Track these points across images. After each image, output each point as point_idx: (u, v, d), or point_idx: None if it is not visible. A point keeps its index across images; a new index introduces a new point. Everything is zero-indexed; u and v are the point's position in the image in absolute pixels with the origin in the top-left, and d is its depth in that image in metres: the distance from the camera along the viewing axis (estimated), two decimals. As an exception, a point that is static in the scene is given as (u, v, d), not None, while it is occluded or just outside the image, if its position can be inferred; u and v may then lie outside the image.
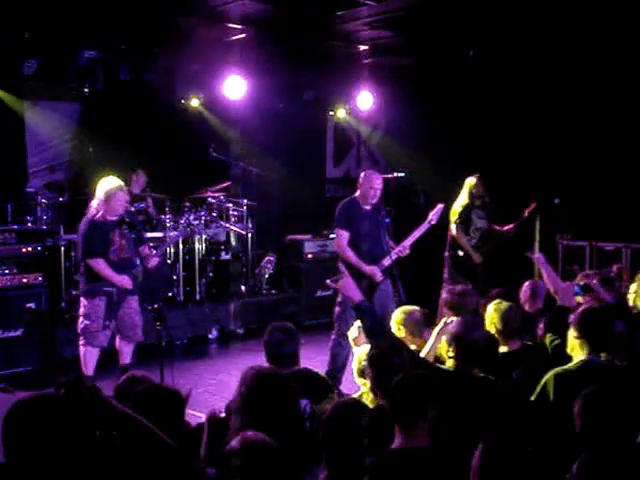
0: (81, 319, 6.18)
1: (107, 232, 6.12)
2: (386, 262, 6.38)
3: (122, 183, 6.23)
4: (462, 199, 7.97)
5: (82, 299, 6.24)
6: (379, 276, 6.38)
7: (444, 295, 5.28)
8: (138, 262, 6.36)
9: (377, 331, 3.96)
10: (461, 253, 7.91)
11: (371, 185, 6.51)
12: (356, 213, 6.56)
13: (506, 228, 8.07)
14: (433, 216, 6.79)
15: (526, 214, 8.11)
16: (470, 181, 7.98)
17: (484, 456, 2.41)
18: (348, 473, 2.85)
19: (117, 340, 6.38)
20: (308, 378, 4.04)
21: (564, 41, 8.21)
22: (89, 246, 6.13)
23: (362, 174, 6.73)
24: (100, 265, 6.08)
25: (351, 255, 6.44)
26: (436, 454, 2.93)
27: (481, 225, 8.01)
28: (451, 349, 3.81)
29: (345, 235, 6.50)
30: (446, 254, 8.04)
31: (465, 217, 7.91)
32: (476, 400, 3.50)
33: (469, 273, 7.82)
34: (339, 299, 6.52)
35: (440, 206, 6.97)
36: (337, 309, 6.51)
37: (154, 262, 6.50)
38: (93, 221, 6.12)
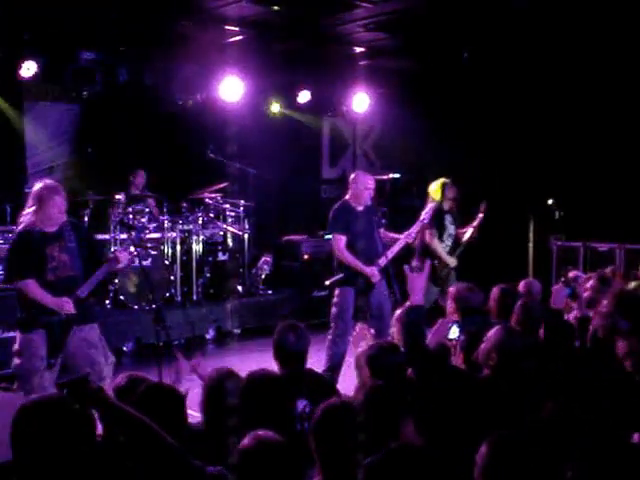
0: (14, 358, 4.87)
1: (43, 246, 4.85)
2: (382, 262, 6.46)
3: (56, 185, 4.99)
4: (434, 203, 7.27)
5: (17, 332, 4.93)
6: (377, 277, 6.46)
7: (451, 289, 5.27)
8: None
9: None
10: (436, 262, 7.30)
11: (365, 186, 6.57)
12: (350, 215, 6.61)
13: (463, 231, 7.54)
14: (425, 215, 6.87)
15: (481, 215, 7.51)
16: (442, 184, 7.40)
17: (491, 454, 2.44)
18: (343, 475, 2.87)
19: None
20: (309, 378, 4.05)
21: (558, 44, 8.27)
22: (17, 265, 4.89)
23: (353, 175, 6.78)
24: (29, 287, 4.81)
25: (350, 258, 6.49)
26: (431, 453, 2.97)
27: (451, 231, 7.53)
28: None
29: (343, 239, 6.54)
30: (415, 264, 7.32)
31: (439, 223, 7.38)
32: (482, 400, 3.53)
33: (443, 281, 7.29)
34: (335, 300, 6.59)
35: (431, 205, 7.04)
36: (333, 309, 6.56)
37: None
38: (24, 233, 4.88)
